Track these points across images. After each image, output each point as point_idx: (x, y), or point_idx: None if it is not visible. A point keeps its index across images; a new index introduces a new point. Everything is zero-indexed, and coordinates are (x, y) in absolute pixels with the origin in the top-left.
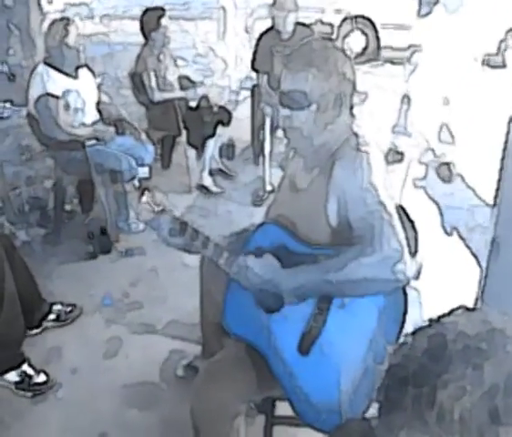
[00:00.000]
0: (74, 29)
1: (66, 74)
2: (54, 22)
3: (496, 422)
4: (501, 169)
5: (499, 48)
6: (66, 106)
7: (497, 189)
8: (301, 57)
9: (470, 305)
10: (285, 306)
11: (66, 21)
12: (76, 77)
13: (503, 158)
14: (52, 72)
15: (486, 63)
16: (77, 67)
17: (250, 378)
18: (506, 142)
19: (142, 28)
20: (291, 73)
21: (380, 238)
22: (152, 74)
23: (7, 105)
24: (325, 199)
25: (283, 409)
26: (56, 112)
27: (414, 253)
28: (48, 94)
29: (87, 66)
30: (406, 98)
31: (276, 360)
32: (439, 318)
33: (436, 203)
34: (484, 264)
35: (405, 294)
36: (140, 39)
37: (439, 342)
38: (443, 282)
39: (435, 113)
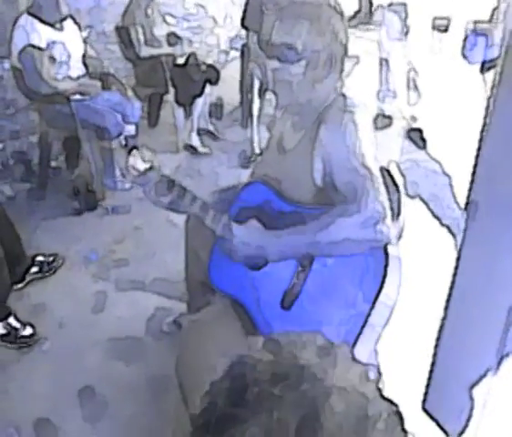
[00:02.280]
0: None
1: (51, 25)
2: None
3: None
4: (482, 131)
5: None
6: (52, 59)
7: (477, 154)
8: (295, 11)
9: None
10: (269, 263)
11: None
12: (60, 29)
13: (485, 117)
14: (36, 23)
15: (437, 27)
16: (62, 19)
17: (234, 333)
18: (488, 103)
19: None
20: (284, 25)
21: (363, 199)
22: (139, 28)
23: None
24: (311, 160)
25: None
26: (41, 64)
27: (397, 215)
28: (32, 45)
29: (72, 17)
30: (384, 61)
31: (259, 314)
32: (243, 356)
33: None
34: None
35: (387, 256)
36: None
37: (239, 385)
38: (422, 248)
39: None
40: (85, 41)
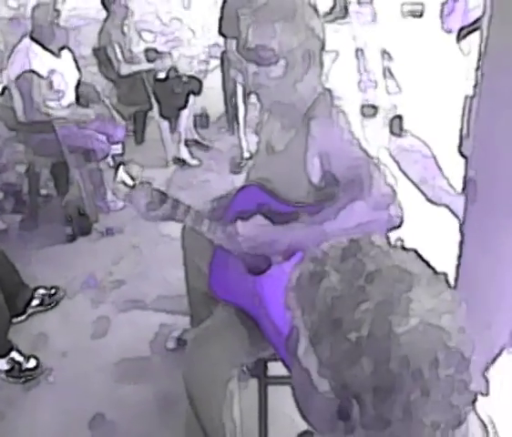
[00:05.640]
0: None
1: (52, 52)
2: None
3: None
4: (469, 111)
5: None
6: (50, 86)
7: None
8: (268, 11)
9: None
10: (272, 266)
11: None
12: (59, 57)
13: (474, 91)
14: (37, 48)
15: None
16: (61, 48)
17: (240, 341)
18: (476, 76)
19: (103, 1)
20: (259, 27)
21: (369, 182)
22: (117, 46)
23: None
24: (304, 158)
25: (275, 369)
26: (38, 91)
27: None
28: (33, 71)
29: (68, 47)
30: (360, 52)
31: (265, 320)
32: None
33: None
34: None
35: None
36: (102, 14)
37: (348, 254)
38: (424, 236)
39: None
40: (78, 68)
